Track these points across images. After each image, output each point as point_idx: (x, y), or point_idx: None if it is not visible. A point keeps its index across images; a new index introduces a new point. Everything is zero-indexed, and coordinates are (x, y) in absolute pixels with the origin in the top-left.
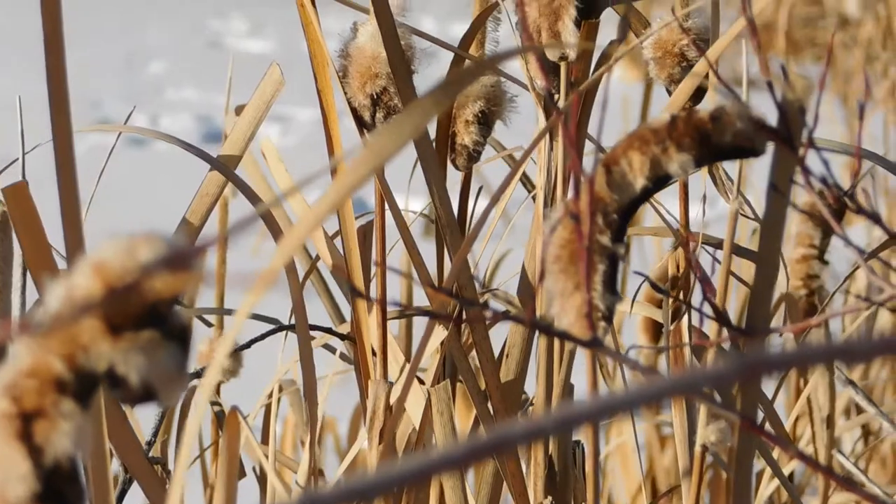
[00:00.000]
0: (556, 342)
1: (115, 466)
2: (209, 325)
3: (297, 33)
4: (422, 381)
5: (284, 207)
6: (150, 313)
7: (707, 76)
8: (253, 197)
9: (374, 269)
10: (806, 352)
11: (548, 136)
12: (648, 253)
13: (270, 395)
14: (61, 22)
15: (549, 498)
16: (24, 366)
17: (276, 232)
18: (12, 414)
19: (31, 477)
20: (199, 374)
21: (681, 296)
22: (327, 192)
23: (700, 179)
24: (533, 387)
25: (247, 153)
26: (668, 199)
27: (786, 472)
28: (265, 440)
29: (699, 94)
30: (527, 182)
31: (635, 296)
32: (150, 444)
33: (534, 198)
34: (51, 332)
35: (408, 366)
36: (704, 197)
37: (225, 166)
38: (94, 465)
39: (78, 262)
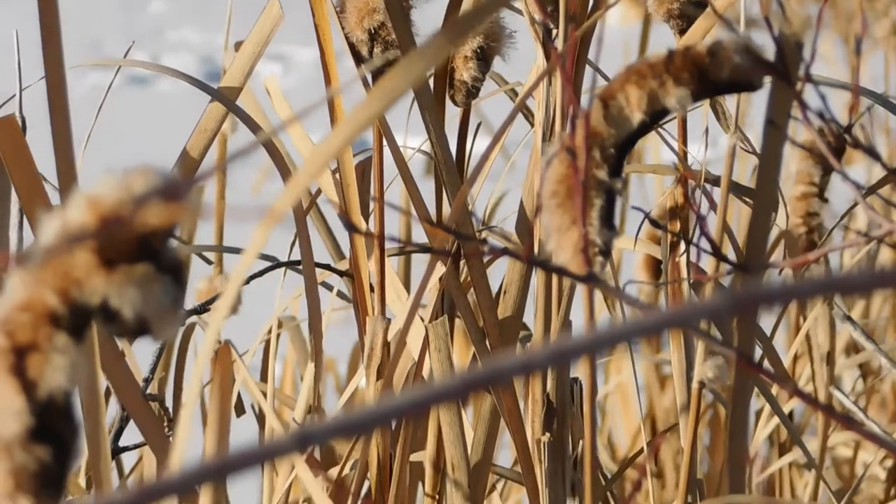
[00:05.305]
0: (555, 278)
1: (112, 404)
2: (209, 262)
3: None
4: (420, 318)
5: (285, 142)
6: (144, 247)
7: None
8: (254, 127)
9: (372, 206)
10: (802, 284)
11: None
12: (650, 191)
13: (269, 333)
14: None
15: (547, 435)
16: (18, 300)
17: (279, 163)
18: (6, 348)
19: (24, 412)
20: (196, 311)
21: (679, 231)
22: (334, 132)
23: (702, 116)
24: (532, 323)
25: (247, 92)
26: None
27: (785, 410)
28: (264, 378)
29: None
30: (527, 114)
31: (638, 233)
32: (147, 381)
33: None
34: (44, 265)
35: (408, 302)
36: (707, 131)
37: (225, 97)
38: (88, 401)
39: (71, 197)
